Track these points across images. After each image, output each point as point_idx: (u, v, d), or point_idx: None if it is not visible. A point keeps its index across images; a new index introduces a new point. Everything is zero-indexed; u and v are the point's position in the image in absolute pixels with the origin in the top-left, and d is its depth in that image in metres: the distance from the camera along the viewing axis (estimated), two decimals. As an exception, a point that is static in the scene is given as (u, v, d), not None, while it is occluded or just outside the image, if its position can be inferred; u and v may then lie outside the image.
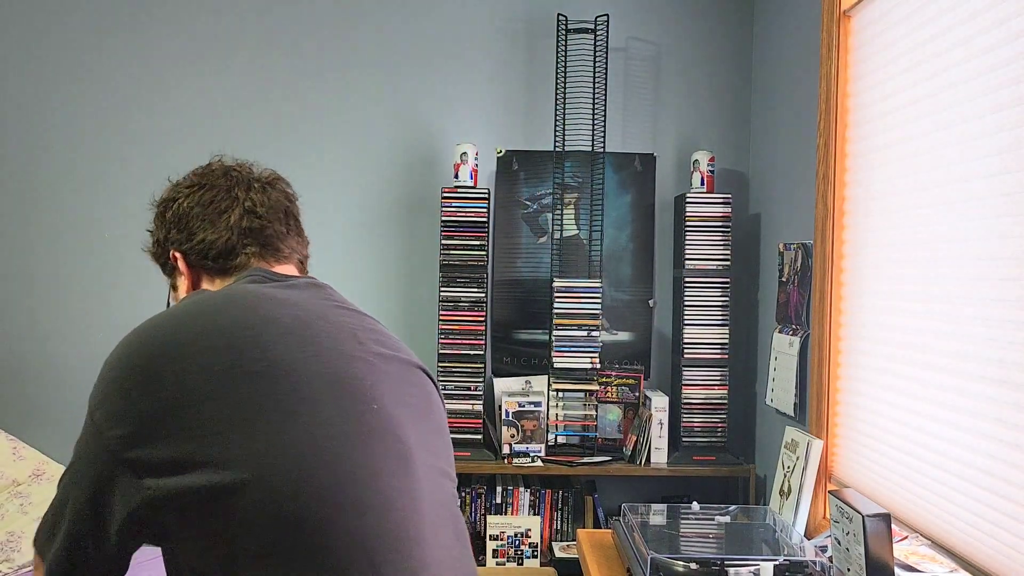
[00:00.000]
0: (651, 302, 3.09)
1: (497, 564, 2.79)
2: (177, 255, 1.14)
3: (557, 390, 2.92)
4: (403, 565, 0.90)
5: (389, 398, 0.99)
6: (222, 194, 1.16)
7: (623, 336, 3.08)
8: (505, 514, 2.87)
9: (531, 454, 2.86)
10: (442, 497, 1.01)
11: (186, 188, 1.17)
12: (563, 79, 3.01)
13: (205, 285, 1.14)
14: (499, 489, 2.89)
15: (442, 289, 2.86)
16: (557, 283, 2.90)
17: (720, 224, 2.87)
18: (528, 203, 3.07)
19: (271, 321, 0.96)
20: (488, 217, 2.90)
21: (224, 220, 1.14)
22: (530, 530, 2.81)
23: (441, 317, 2.86)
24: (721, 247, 2.87)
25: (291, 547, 0.85)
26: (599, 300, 2.89)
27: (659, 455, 2.85)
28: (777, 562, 1.77)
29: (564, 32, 3.01)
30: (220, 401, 0.88)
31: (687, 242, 2.87)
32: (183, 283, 1.16)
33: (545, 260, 3.06)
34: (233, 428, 0.87)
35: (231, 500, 0.85)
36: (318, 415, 0.91)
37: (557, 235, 3.05)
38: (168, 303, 1.21)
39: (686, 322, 2.86)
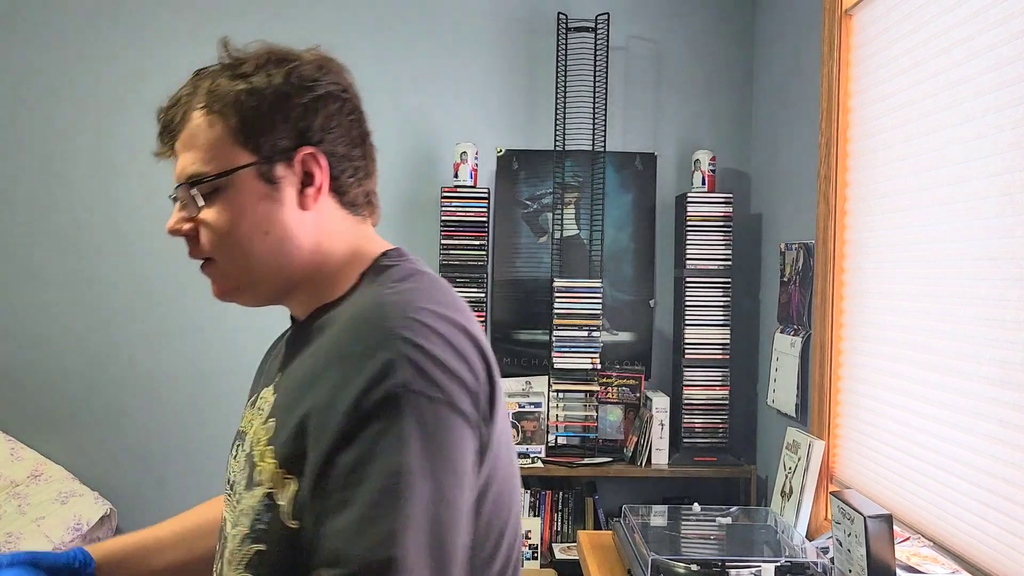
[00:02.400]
0: (652, 302, 3.08)
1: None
2: (320, 158, 0.86)
3: (557, 391, 2.91)
4: None
5: None
6: (359, 110, 0.91)
7: (624, 336, 3.07)
8: (505, 515, 2.86)
9: (531, 455, 2.85)
10: None
11: (329, 78, 0.87)
12: (563, 78, 3.00)
13: (325, 213, 0.90)
14: (499, 490, 2.88)
15: (442, 289, 2.85)
16: (557, 283, 2.89)
17: (721, 224, 2.86)
18: (528, 203, 3.06)
19: None
20: (488, 217, 2.90)
21: (368, 146, 0.92)
22: (530, 531, 2.81)
23: (441, 317, 2.85)
24: (722, 247, 2.86)
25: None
26: (599, 300, 2.88)
27: (660, 456, 2.84)
28: (778, 563, 1.76)
29: (564, 31, 3.00)
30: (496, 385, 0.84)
31: (688, 242, 2.86)
32: (297, 200, 0.86)
33: (545, 260, 3.05)
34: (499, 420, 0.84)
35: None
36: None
37: (557, 235, 3.04)
38: (200, 203, 0.86)
39: (687, 322, 2.85)
